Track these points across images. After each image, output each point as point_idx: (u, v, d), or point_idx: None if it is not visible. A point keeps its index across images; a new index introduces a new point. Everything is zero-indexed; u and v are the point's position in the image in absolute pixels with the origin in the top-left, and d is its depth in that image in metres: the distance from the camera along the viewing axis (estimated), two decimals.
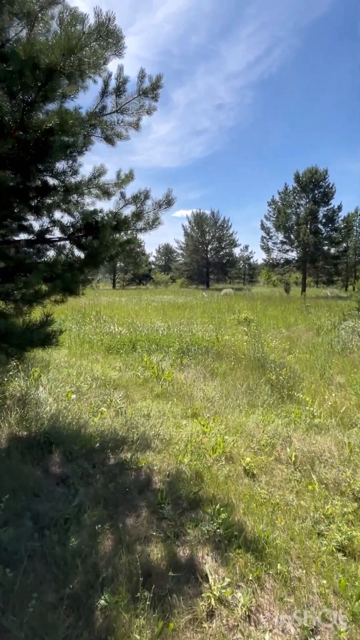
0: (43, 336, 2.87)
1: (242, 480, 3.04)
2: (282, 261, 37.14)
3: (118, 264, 53.50)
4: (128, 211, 3.83)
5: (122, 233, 3.85)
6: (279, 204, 35.28)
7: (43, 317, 2.91)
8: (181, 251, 56.75)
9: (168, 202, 3.85)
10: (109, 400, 4.67)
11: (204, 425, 3.97)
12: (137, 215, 3.78)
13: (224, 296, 25.49)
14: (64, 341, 8.50)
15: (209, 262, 51.08)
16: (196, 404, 4.78)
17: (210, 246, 51.49)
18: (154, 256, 75.93)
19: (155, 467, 3.15)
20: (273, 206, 35.84)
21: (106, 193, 4.21)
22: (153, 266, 71.69)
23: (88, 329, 10.05)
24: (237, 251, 55.85)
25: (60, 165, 3.41)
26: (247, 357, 6.66)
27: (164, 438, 3.68)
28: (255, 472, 3.13)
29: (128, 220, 3.73)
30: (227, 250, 51.67)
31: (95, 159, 4.45)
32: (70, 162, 3.17)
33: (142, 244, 58.20)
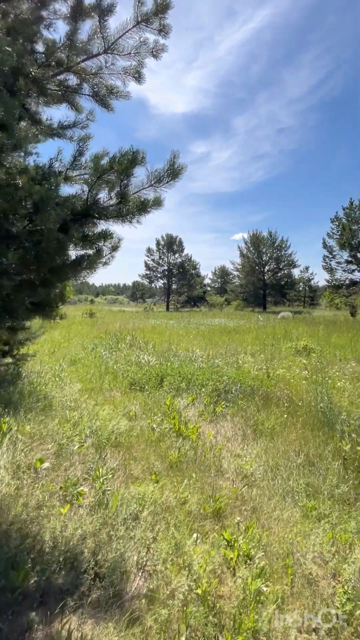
0: None
1: None
2: (347, 282, 33.89)
3: (173, 286, 52.99)
4: (106, 193, 2.42)
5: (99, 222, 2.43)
6: (344, 220, 32.48)
7: None
8: (237, 273, 55.03)
9: (172, 173, 2.38)
10: (96, 472, 3.19)
11: (229, 544, 2.31)
12: (122, 195, 2.35)
13: (281, 320, 23.29)
14: (87, 373, 7.27)
15: (265, 283, 48.72)
16: (224, 487, 3.13)
17: (267, 267, 49.23)
18: (209, 278, 75.03)
19: None
20: (337, 223, 33.10)
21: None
22: (209, 288, 70.55)
23: (118, 357, 8.79)
24: (296, 272, 52.80)
25: None
26: (307, 406, 4.85)
27: (153, 575, 2.08)
28: None
29: (101, 202, 2.31)
30: (285, 272, 49.02)
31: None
32: None
33: (198, 266, 57.46)
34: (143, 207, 2.30)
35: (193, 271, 55.89)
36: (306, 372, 7.29)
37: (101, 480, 2.97)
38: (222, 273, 74.45)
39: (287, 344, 10.97)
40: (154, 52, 2.92)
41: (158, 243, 52.94)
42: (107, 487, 3.00)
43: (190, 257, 55.17)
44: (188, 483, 3.15)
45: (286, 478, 3.31)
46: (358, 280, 33.09)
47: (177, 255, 53.17)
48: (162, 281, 54.13)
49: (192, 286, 54.44)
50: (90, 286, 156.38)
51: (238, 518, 2.61)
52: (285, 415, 4.53)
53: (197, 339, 12.47)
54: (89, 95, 3.11)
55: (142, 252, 54.00)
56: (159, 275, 53.58)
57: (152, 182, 2.39)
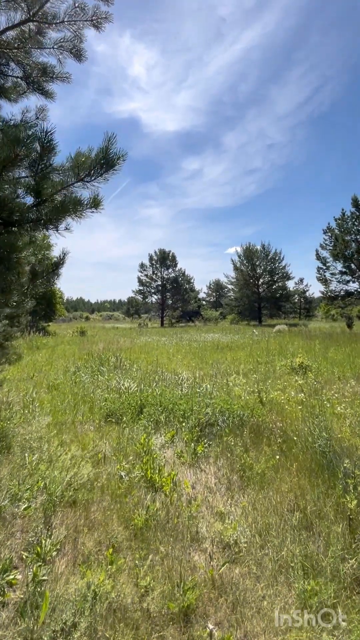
0: None
1: None
2: (342, 293, 33.44)
3: (168, 301, 52.39)
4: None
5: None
6: (336, 231, 32.22)
7: None
8: (231, 286, 54.64)
9: (107, 164, 1.78)
10: (37, 548, 2.49)
11: None
12: (37, 194, 1.74)
13: (277, 333, 22.71)
14: (62, 402, 6.57)
15: (260, 296, 48.29)
16: (199, 566, 2.44)
17: (261, 280, 48.87)
18: (204, 292, 74.65)
19: None
20: (329, 234, 32.83)
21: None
22: (204, 302, 70.05)
23: (100, 381, 8.10)
24: (291, 284, 52.53)
25: None
26: (303, 442, 4.18)
27: None
28: None
29: (7, 204, 1.70)
30: (280, 284, 48.62)
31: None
32: None
33: (192, 280, 57.05)
34: (64, 210, 1.68)
35: (187, 285, 55.44)
36: (302, 394, 6.64)
37: (35, 568, 2.27)
38: (217, 287, 74.14)
39: (281, 362, 10.33)
40: (95, 21, 2.35)
41: (151, 258, 52.57)
42: (46, 572, 2.32)
43: (184, 272, 54.81)
44: (153, 561, 2.47)
45: (278, 546, 2.63)
46: (353, 291, 32.68)
47: (170, 270, 52.75)
48: (156, 296, 53.52)
49: (187, 301, 53.88)
50: (85, 303, 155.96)
51: (211, 626, 1.92)
52: (278, 456, 3.86)
53: (187, 357, 11.80)
54: (20, 78, 2.53)
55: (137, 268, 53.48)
56: (152, 290, 53.01)
57: (81, 175, 1.79)
